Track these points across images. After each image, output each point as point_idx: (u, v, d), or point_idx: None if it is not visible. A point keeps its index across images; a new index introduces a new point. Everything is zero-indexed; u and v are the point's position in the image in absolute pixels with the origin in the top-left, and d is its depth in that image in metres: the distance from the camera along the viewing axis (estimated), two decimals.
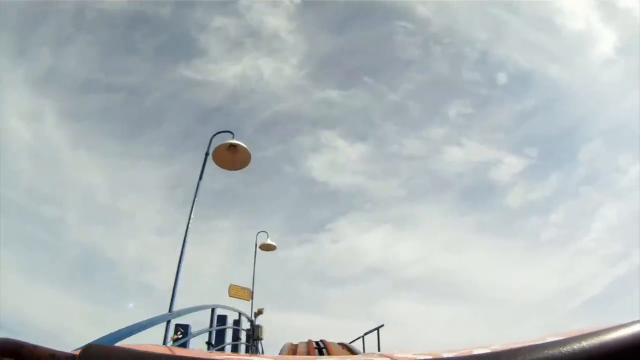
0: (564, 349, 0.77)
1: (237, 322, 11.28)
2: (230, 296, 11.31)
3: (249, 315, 12.24)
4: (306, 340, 14.54)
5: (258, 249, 12.60)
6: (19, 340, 0.92)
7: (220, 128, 7.73)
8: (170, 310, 5.69)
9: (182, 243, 6.01)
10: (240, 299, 11.73)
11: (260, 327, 12.17)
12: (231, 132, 7.11)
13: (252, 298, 11.99)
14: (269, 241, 12.76)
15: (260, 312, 12.08)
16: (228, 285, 11.94)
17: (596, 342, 0.78)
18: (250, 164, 6.89)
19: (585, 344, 0.77)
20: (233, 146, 6.68)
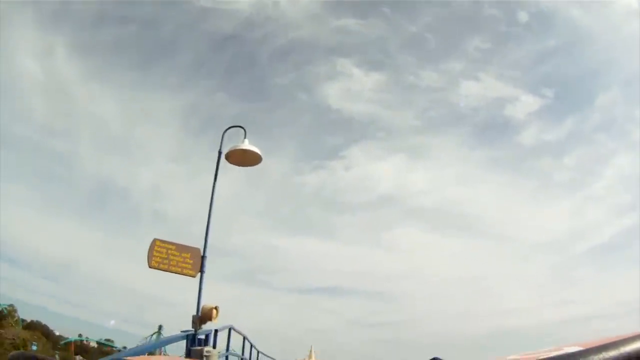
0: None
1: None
2: (151, 267, 6.37)
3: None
4: None
5: (224, 158, 7.16)
6: (34, 353, 0.98)
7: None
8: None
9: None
10: (172, 272, 6.46)
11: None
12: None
13: (201, 271, 6.64)
14: (245, 144, 6.98)
15: (209, 316, 6.16)
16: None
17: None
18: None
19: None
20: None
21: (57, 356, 50.49)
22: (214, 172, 7.10)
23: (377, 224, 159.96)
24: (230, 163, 7.37)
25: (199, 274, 6.69)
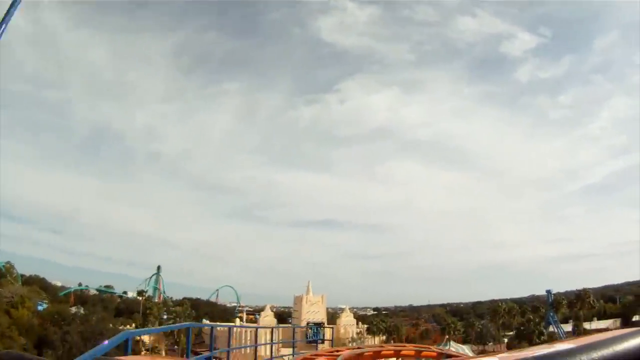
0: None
1: None
2: None
3: None
4: None
5: None
6: (20, 353, 1.72)
7: None
8: None
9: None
10: None
11: None
12: None
13: None
14: None
15: None
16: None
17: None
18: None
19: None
20: None
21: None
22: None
23: (372, 157, 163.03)
24: None
25: None
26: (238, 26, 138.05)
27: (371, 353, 9.45)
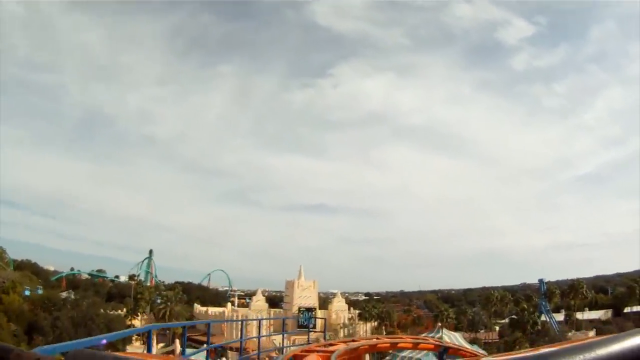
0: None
1: None
2: None
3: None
4: None
5: None
6: (5, 345, 0.91)
7: None
8: None
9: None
10: None
11: None
12: None
13: None
14: None
15: None
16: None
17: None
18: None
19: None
20: None
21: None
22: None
23: (367, 142, 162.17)
24: None
25: None
26: (233, 9, 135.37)
27: (367, 347, 8.98)
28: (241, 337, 12.08)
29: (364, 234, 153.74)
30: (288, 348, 11.89)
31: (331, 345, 8.88)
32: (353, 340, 9.28)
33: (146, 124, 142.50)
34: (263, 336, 12.98)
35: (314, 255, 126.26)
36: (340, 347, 8.07)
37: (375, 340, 9.69)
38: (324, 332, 11.31)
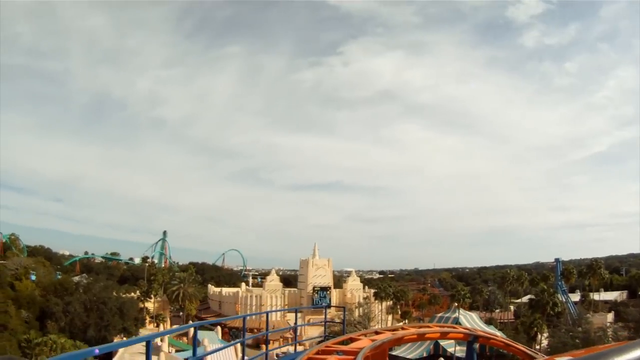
0: None
1: None
2: None
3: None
4: None
5: None
6: (18, 358, 1.21)
7: None
8: None
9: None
10: None
11: None
12: None
13: None
14: None
15: None
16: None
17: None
18: None
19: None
20: None
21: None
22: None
23: (377, 120, 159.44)
24: None
25: None
26: None
27: (392, 342, 7.88)
28: (264, 329, 11.16)
29: (376, 212, 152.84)
30: (302, 327, 11.00)
31: (351, 339, 7.82)
32: (376, 332, 8.22)
33: (155, 106, 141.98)
34: (273, 311, 12.06)
35: (327, 234, 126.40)
36: (362, 343, 6.97)
37: (401, 332, 8.58)
38: (342, 323, 10.19)
